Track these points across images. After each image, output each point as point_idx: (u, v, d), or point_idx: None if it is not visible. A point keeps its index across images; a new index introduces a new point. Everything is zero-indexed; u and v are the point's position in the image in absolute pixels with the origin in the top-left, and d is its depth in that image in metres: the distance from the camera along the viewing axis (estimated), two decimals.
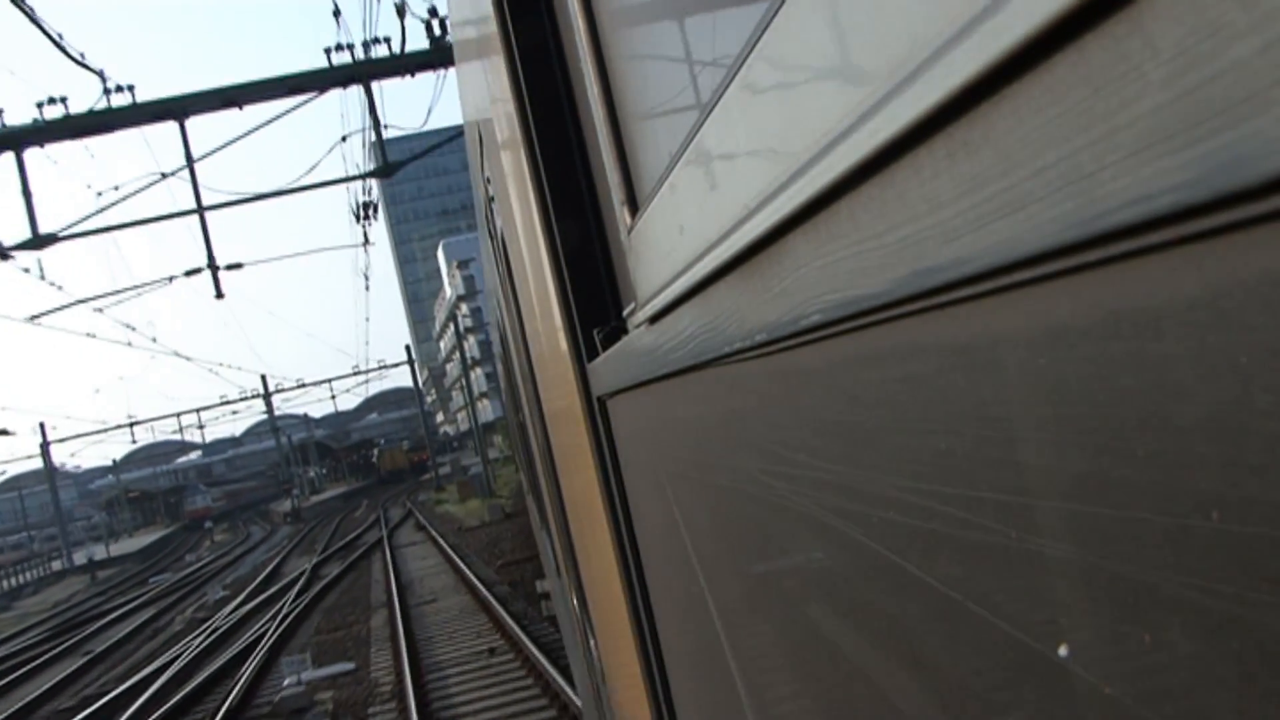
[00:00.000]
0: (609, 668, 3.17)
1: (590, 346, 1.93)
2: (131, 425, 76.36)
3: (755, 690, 1.19)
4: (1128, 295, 0.38)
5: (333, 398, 79.54)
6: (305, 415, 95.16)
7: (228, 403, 78.19)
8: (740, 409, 1.00)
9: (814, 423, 0.78)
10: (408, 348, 67.82)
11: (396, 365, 74.08)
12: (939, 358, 0.55)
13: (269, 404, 79.20)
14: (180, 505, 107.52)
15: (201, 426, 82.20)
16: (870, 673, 0.78)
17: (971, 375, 0.51)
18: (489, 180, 4.02)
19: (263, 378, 76.77)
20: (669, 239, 1.13)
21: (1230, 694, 0.36)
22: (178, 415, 79.72)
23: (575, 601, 4.67)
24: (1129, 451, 0.40)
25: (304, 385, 78.38)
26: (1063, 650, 0.48)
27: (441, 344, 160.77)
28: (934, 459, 0.57)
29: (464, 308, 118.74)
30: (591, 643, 3.93)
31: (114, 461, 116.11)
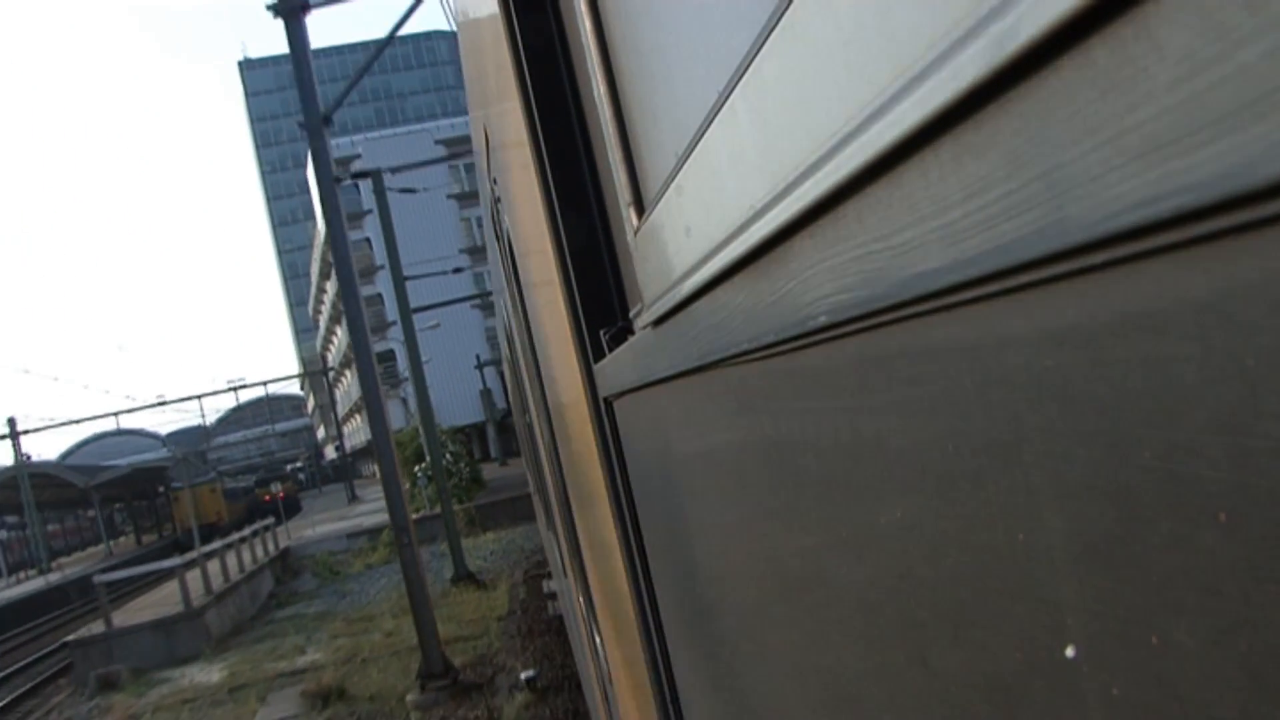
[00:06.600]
0: (615, 667, 3.17)
1: (597, 347, 1.94)
2: None
3: (762, 690, 1.19)
4: (1134, 298, 0.38)
5: None
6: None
7: None
8: (747, 410, 1.00)
9: (821, 424, 0.78)
10: None
11: None
12: (945, 359, 0.55)
13: None
14: None
15: None
16: (878, 675, 0.78)
17: (978, 377, 0.51)
18: (495, 181, 4.03)
19: None
20: (675, 240, 1.13)
21: (1238, 695, 0.37)
22: None
23: (581, 601, 4.68)
24: (1136, 453, 0.40)
25: None
26: (1070, 651, 0.48)
27: (321, 320, 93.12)
28: (940, 460, 0.58)
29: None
30: (598, 642, 3.94)
31: None
